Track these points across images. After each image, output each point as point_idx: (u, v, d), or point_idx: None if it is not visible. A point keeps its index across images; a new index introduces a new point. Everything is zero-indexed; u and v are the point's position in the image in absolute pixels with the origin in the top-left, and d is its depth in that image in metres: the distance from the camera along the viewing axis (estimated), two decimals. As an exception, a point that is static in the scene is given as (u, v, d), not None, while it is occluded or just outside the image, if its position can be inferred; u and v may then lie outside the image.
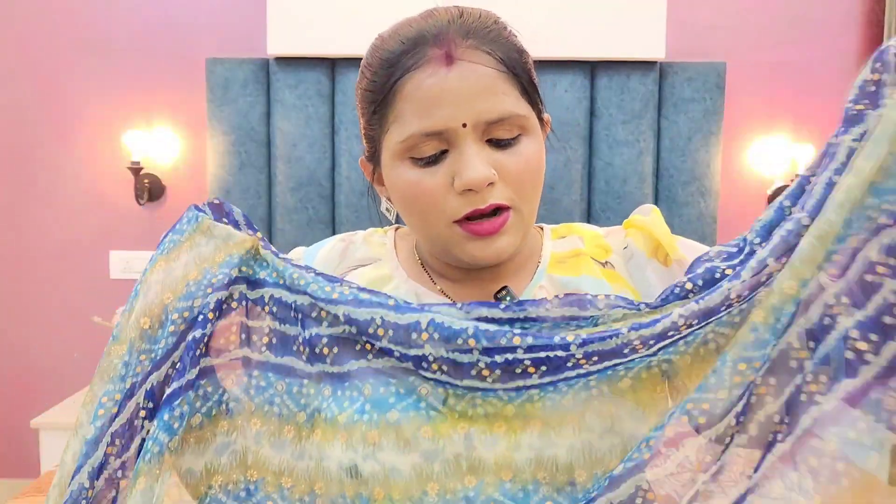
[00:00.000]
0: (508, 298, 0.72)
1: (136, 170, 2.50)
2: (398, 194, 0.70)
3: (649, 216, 0.77)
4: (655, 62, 2.44)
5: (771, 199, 2.58)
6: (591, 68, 2.46)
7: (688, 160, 2.49)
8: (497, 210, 0.67)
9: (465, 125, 0.65)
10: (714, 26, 2.56)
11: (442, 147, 0.67)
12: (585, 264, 0.76)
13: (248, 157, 2.49)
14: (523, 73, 0.69)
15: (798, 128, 2.57)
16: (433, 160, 0.67)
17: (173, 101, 2.58)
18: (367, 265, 0.78)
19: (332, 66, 2.47)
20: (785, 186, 2.54)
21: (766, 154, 2.56)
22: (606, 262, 0.76)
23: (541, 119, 0.73)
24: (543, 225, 0.83)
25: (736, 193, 2.60)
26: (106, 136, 2.58)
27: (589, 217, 2.52)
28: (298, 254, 0.81)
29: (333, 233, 2.52)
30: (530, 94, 0.69)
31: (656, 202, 2.52)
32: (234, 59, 2.46)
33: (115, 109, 2.58)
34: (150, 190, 2.55)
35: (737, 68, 2.51)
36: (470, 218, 0.67)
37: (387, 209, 0.79)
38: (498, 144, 0.67)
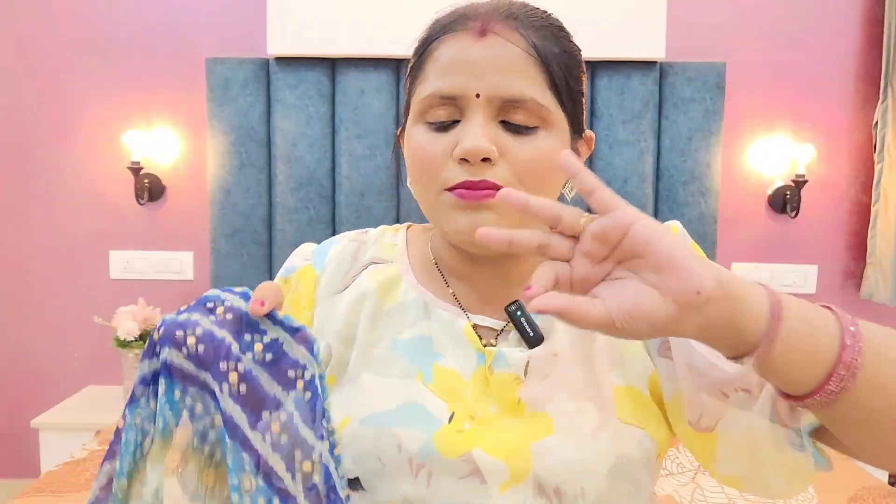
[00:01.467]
0: (519, 314, 0.71)
1: (136, 170, 2.50)
2: (408, 157, 0.71)
3: (672, 227, 0.74)
4: (655, 62, 2.44)
5: (771, 199, 2.58)
6: (591, 68, 2.46)
7: (688, 160, 2.49)
8: (489, 189, 0.66)
9: (478, 95, 0.65)
10: (714, 26, 2.56)
11: (454, 116, 0.67)
12: None
13: (248, 157, 2.49)
14: (560, 70, 0.67)
15: (798, 127, 2.57)
16: (444, 127, 0.67)
17: (173, 101, 2.58)
18: (380, 264, 0.77)
19: (333, 65, 2.47)
20: (785, 186, 2.54)
21: (767, 154, 2.56)
22: None
23: (579, 131, 0.71)
24: None
25: (736, 193, 2.60)
26: (106, 136, 2.58)
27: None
28: (307, 250, 0.80)
29: (334, 233, 2.52)
30: (562, 93, 0.67)
31: (657, 202, 2.52)
32: (234, 58, 2.46)
33: (115, 109, 2.57)
34: (150, 190, 2.55)
35: (737, 68, 2.51)
36: (461, 188, 0.66)
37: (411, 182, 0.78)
38: (511, 128, 0.66)
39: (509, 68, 0.65)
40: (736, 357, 0.52)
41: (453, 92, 0.66)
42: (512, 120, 0.66)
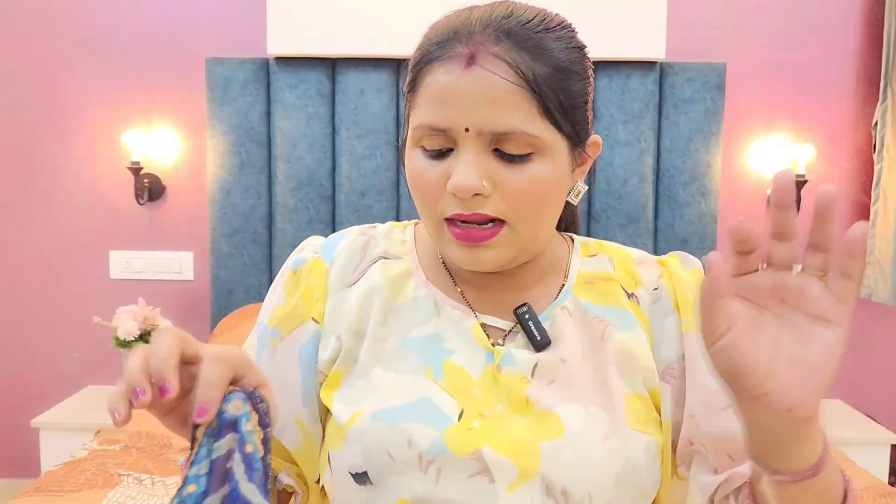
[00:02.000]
0: (528, 317, 0.71)
1: (136, 170, 2.50)
2: (408, 179, 0.71)
3: (692, 270, 0.75)
4: (656, 62, 2.44)
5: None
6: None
7: (688, 160, 2.49)
8: (486, 221, 0.66)
9: (467, 130, 0.64)
10: (714, 26, 2.56)
11: (447, 144, 0.66)
12: (614, 292, 0.74)
13: (248, 157, 2.49)
14: (552, 91, 0.65)
15: (798, 127, 2.57)
16: (439, 154, 0.67)
17: (173, 101, 2.58)
18: (390, 259, 0.77)
19: (333, 65, 2.47)
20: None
21: (766, 154, 2.56)
22: (633, 294, 0.75)
23: (581, 142, 0.70)
24: (574, 236, 0.81)
25: (736, 193, 2.60)
26: (106, 136, 2.58)
27: (589, 217, 2.52)
28: (315, 243, 0.80)
29: (334, 232, 2.52)
30: (559, 114, 0.65)
31: (657, 202, 2.52)
32: (234, 58, 2.46)
33: (115, 109, 2.58)
34: (150, 190, 2.55)
35: (737, 68, 2.51)
36: (457, 221, 0.66)
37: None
38: (504, 158, 0.65)
39: (497, 101, 0.63)
40: (757, 461, 0.54)
41: (443, 125, 0.65)
42: (504, 149, 0.65)
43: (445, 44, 0.66)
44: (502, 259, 0.68)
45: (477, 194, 0.65)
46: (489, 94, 0.63)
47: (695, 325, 0.71)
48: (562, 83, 0.65)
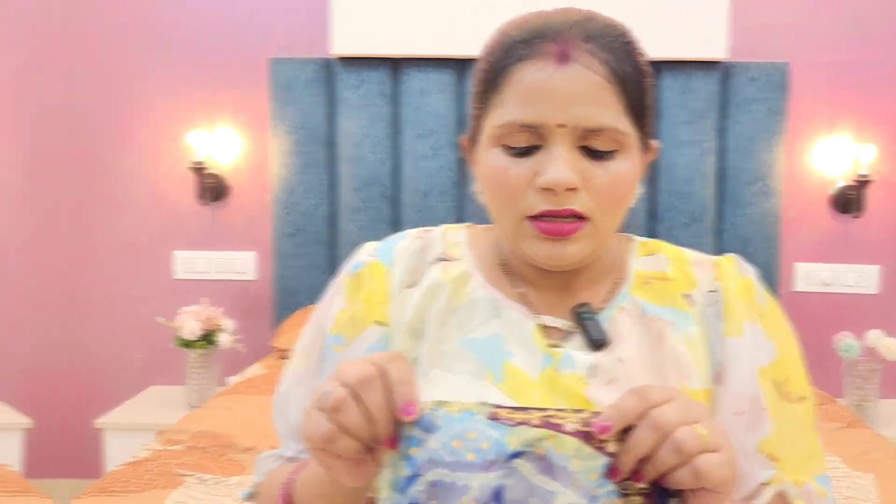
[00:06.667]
0: (587, 316, 0.72)
1: (199, 170, 2.51)
2: (485, 179, 0.71)
3: (745, 280, 0.75)
4: (718, 62, 2.44)
5: (833, 198, 2.57)
6: (654, 68, 2.46)
7: (751, 160, 2.49)
8: (573, 216, 0.66)
9: (561, 126, 0.65)
10: (777, 26, 2.56)
11: (535, 142, 0.66)
12: (671, 292, 0.75)
13: (311, 157, 2.50)
14: (636, 91, 0.67)
15: (861, 128, 2.56)
16: (524, 152, 0.67)
17: (236, 101, 2.59)
18: (449, 261, 0.77)
19: (395, 66, 2.48)
20: (847, 186, 2.53)
21: (829, 154, 2.56)
22: (689, 295, 0.75)
23: (647, 144, 0.71)
24: (631, 236, 0.81)
25: (799, 193, 2.59)
26: (169, 137, 2.59)
27: (653, 217, 2.52)
28: (370, 247, 0.79)
29: (397, 233, 2.52)
30: (637, 114, 0.67)
31: (720, 202, 2.52)
32: (297, 59, 2.48)
33: (178, 110, 2.59)
34: (212, 190, 2.56)
35: (800, 68, 2.51)
36: (544, 217, 0.66)
37: (479, 191, 0.78)
38: (591, 154, 0.66)
39: (592, 98, 0.65)
40: None
41: (535, 121, 0.65)
42: (592, 146, 0.66)
43: (531, 42, 0.67)
44: (582, 254, 0.68)
45: (570, 189, 0.65)
46: (585, 90, 0.64)
47: (736, 331, 0.72)
48: (641, 84, 0.68)
